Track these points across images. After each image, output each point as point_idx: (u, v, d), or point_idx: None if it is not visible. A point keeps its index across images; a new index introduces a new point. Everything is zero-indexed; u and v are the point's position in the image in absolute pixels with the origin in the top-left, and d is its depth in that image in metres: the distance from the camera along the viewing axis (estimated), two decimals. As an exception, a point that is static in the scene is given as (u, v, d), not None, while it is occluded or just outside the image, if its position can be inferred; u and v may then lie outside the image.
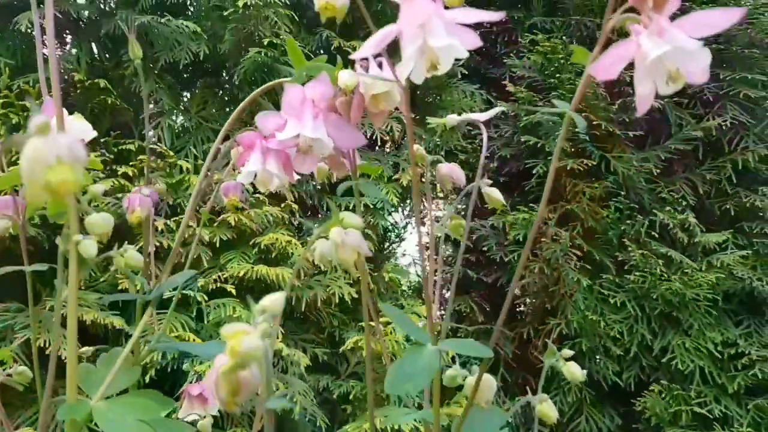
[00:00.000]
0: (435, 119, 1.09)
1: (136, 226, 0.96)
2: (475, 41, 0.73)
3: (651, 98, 0.78)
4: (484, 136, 1.09)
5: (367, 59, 0.79)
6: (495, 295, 2.61)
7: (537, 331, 2.42)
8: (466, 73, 2.72)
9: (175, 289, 0.96)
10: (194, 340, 1.84)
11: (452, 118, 1.07)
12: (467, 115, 1.08)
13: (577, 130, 2.32)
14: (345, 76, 0.75)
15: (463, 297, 2.52)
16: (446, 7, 0.75)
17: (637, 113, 0.80)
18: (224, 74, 2.69)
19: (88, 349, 0.99)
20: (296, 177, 0.81)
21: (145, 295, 0.88)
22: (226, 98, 2.60)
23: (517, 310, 2.50)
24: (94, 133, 0.83)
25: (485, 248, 2.41)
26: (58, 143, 0.42)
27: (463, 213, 2.06)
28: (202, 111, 2.52)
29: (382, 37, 0.74)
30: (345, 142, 0.82)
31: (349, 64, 0.75)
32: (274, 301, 0.52)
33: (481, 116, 1.13)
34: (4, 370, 0.88)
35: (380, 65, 0.79)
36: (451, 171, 1.24)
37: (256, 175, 0.83)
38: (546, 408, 0.97)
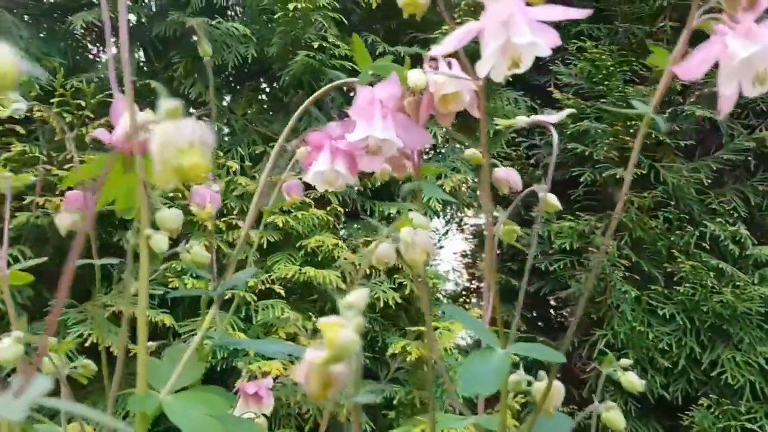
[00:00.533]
0: (503, 120, 1.08)
1: (206, 221, 0.97)
2: (555, 40, 0.72)
3: (734, 99, 0.76)
4: (555, 139, 1.07)
5: (436, 59, 0.79)
6: (538, 305, 2.59)
7: (581, 341, 2.38)
8: (510, 79, 2.69)
9: (234, 288, 0.96)
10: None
11: (521, 119, 1.06)
12: (536, 117, 1.07)
13: (626, 138, 2.29)
14: (415, 76, 0.75)
15: (506, 306, 2.50)
16: (528, 5, 0.74)
17: (720, 115, 0.78)
18: (270, 77, 2.71)
19: (152, 344, 1.00)
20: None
21: (210, 291, 0.89)
22: (271, 101, 2.62)
23: (559, 320, 2.47)
24: None
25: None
26: (189, 127, 0.42)
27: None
28: (247, 113, 2.54)
29: (464, 34, 0.73)
30: (413, 142, 0.82)
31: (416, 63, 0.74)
32: (359, 296, 0.52)
33: (551, 118, 1.11)
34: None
35: (449, 65, 0.79)
36: (508, 175, 1.22)
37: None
38: (613, 416, 0.95)
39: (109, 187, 0.86)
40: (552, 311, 2.54)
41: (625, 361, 0.79)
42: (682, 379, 2.20)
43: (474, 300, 3.13)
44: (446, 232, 2.92)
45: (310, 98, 0.94)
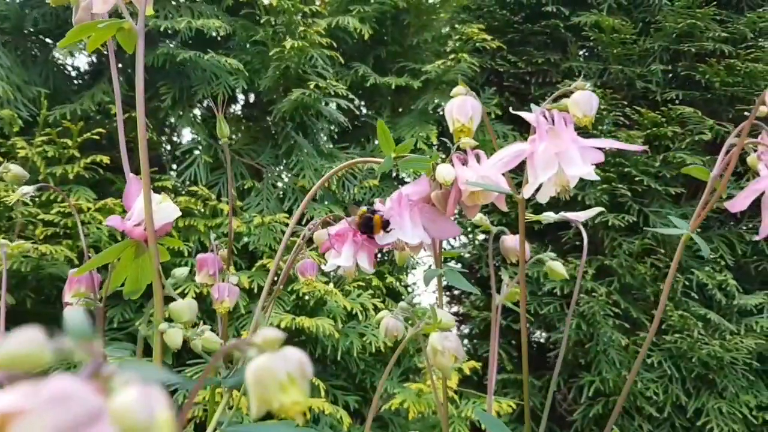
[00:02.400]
0: (531, 215, 1.07)
1: (222, 315, 0.94)
2: (600, 158, 0.71)
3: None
4: (585, 240, 1.06)
5: (465, 152, 0.77)
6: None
7: (566, 382, 2.39)
8: (500, 113, 2.69)
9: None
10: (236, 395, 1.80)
11: (549, 216, 1.05)
12: (564, 214, 1.06)
13: (618, 185, 2.30)
14: (444, 171, 0.74)
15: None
16: (577, 129, 0.73)
17: (759, 236, 0.77)
18: (260, 107, 2.66)
19: None
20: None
21: (222, 378, 0.86)
22: (260, 131, 2.57)
23: (547, 356, 2.47)
24: (179, 213, 0.80)
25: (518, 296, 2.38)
26: (288, 360, 0.39)
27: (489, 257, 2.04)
28: (233, 144, 2.48)
29: (511, 158, 0.72)
30: (439, 233, 0.81)
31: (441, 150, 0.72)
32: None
33: (579, 216, 1.11)
34: None
35: (478, 158, 0.77)
36: (515, 243, 1.21)
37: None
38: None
39: (120, 272, 0.82)
40: (536, 350, 2.55)
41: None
42: (666, 425, 2.23)
43: (454, 330, 3.12)
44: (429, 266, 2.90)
45: (317, 184, 0.91)
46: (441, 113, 2.68)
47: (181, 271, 0.88)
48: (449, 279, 0.84)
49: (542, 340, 2.64)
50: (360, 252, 0.81)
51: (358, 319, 2.15)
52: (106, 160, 2.06)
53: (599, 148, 0.71)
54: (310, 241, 0.93)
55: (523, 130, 2.72)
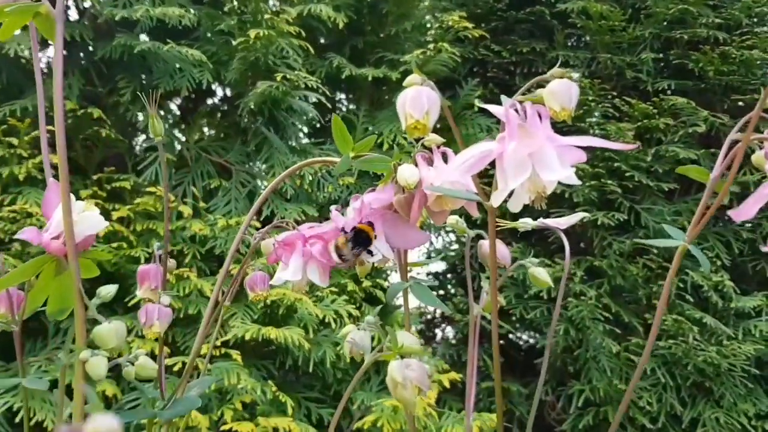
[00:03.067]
0: (507, 222, 0.94)
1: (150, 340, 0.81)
2: (582, 157, 0.58)
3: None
4: (566, 249, 0.93)
5: (431, 150, 0.65)
6: (510, 348, 2.46)
7: (554, 390, 2.26)
8: (483, 105, 2.55)
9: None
10: (195, 415, 1.66)
11: (528, 223, 0.92)
12: (543, 221, 0.94)
13: (607, 181, 2.17)
14: (407, 173, 0.62)
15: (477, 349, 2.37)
16: (553, 124, 0.60)
17: (765, 248, 0.65)
18: (227, 101, 2.51)
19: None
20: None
21: (158, 410, 0.75)
22: (228, 127, 2.42)
23: (535, 362, 2.35)
24: (106, 224, 0.67)
25: (504, 300, 2.25)
26: None
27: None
28: (201, 141, 2.33)
29: (478, 159, 0.58)
30: (404, 243, 0.69)
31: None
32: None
33: (561, 223, 0.97)
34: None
35: (445, 157, 0.65)
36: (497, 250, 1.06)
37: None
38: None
39: (39, 291, 0.71)
40: (524, 356, 2.42)
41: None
42: (661, 436, 2.10)
43: (438, 332, 2.99)
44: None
45: (269, 186, 0.79)
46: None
47: (107, 290, 0.75)
48: (416, 294, 0.71)
49: (530, 346, 2.51)
50: (310, 264, 0.69)
51: (332, 328, 2.01)
52: (55, 159, 1.90)
53: (582, 147, 0.58)
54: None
55: (509, 123, 2.59)
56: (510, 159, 0.53)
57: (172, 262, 0.94)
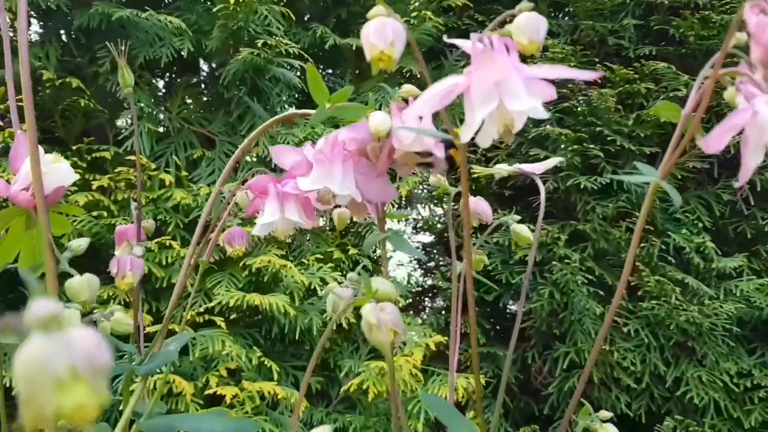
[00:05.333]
0: (482, 168, 0.94)
1: (125, 293, 0.81)
2: (552, 93, 0.57)
3: (755, 169, 0.62)
4: (542, 194, 0.94)
5: (407, 101, 0.64)
6: (497, 315, 2.48)
7: (541, 354, 2.28)
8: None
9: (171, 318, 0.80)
10: (179, 382, 1.66)
11: (504, 168, 0.92)
12: (519, 165, 0.93)
13: (589, 145, 2.18)
14: (377, 120, 0.61)
15: (463, 316, 2.38)
16: (522, 58, 0.59)
17: (738, 183, 0.64)
18: (209, 71, 2.49)
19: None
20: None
21: (135, 366, 0.74)
22: (211, 97, 2.40)
23: (522, 327, 2.36)
24: (76, 176, 0.66)
25: (489, 266, 2.26)
26: (72, 345, 0.26)
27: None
28: (183, 112, 2.31)
29: (445, 93, 0.57)
30: (372, 194, 0.67)
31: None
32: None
33: (536, 167, 0.97)
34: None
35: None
36: (477, 206, 1.07)
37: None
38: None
39: (10, 245, 0.70)
40: (512, 321, 2.43)
41: (604, 414, 0.69)
42: (645, 396, 2.13)
43: (428, 302, 3.01)
44: (401, 234, 2.77)
45: (243, 143, 0.77)
46: (408, 76, 2.53)
47: (78, 243, 0.74)
48: (393, 243, 0.71)
49: (516, 311, 2.53)
50: (287, 204, 0.68)
51: (318, 296, 2.01)
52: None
53: (550, 81, 0.58)
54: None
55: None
56: (476, 89, 0.53)
57: (150, 222, 0.93)
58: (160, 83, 2.42)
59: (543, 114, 0.51)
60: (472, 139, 0.54)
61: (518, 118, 0.52)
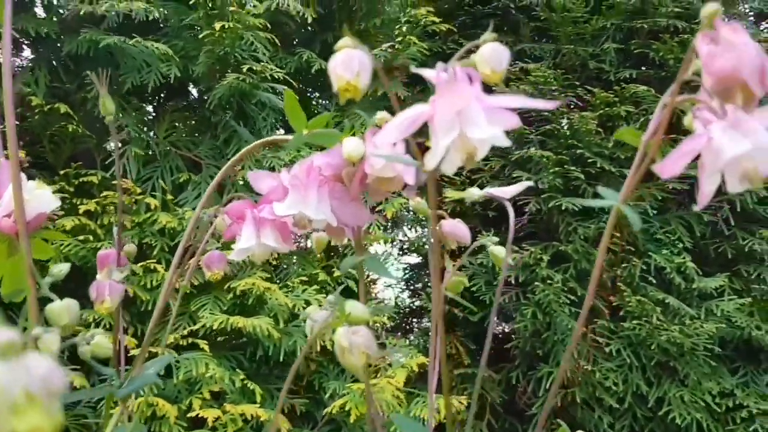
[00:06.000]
0: (455, 193, 0.96)
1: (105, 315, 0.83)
2: (516, 122, 0.60)
3: (712, 194, 0.65)
4: (511, 218, 0.96)
5: (380, 128, 0.67)
6: (482, 336, 2.49)
7: (525, 375, 2.30)
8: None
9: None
10: (163, 405, 1.67)
11: (474, 192, 0.95)
12: (489, 190, 0.96)
13: (571, 168, 2.21)
14: (351, 146, 0.63)
15: (448, 336, 2.40)
16: (486, 88, 0.62)
17: (696, 208, 0.67)
18: (197, 95, 2.52)
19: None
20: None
21: (115, 388, 0.76)
22: (198, 121, 2.43)
23: (505, 347, 2.37)
24: (58, 202, 0.69)
25: (473, 287, 2.28)
26: (28, 371, 0.28)
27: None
28: (170, 136, 2.34)
29: (411, 121, 0.61)
30: (348, 218, 0.69)
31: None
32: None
33: (506, 191, 1.00)
34: None
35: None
36: (455, 228, 1.10)
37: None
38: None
39: None
40: (497, 342, 2.45)
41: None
42: (627, 416, 2.14)
43: (415, 323, 3.02)
44: (387, 257, 2.80)
45: (224, 167, 0.80)
46: (389, 99, 2.56)
47: (59, 269, 0.77)
48: (369, 267, 0.73)
49: (502, 332, 2.55)
50: (263, 229, 0.70)
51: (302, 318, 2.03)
52: (21, 154, 1.91)
53: (513, 109, 0.61)
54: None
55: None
56: (439, 118, 0.56)
57: (131, 246, 0.96)
58: (149, 108, 2.46)
59: (505, 142, 0.54)
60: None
61: (480, 146, 0.55)
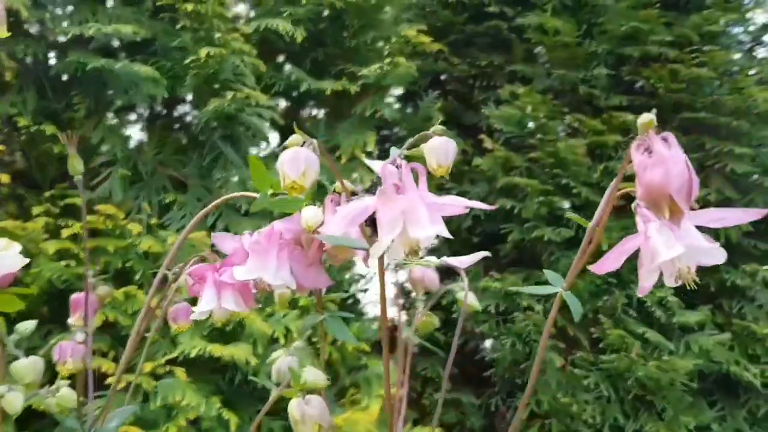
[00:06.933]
0: (413, 260, 0.98)
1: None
2: (458, 209, 0.62)
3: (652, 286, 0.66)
4: (466, 287, 0.97)
5: (339, 194, 0.68)
6: (463, 360, 2.50)
7: (504, 401, 2.31)
8: (442, 118, 2.58)
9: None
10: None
11: (430, 260, 0.97)
12: (446, 259, 0.98)
13: (555, 198, 2.21)
14: (308, 215, 0.65)
15: (429, 359, 2.41)
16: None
17: (639, 294, 0.68)
18: (185, 115, 2.53)
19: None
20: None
21: None
22: (185, 142, 2.44)
23: (484, 375, 2.38)
24: (25, 261, 0.71)
25: (455, 314, 2.29)
26: None
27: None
28: (158, 156, 2.35)
29: (357, 213, 0.62)
30: (307, 282, 0.71)
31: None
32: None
33: (463, 262, 1.01)
34: None
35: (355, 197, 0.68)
36: (424, 275, 1.12)
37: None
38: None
39: None
40: (476, 368, 2.46)
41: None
42: (605, 448, 2.15)
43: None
44: (372, 278, 2.80)
45: (190, 224, 0.81)
46: (378, 118, 2.56)
47: (24, 326, 0.79)
48: (329, 328, 0.75)
49: (483, 358, 2.56)
50: (224, 292, 0.71)
51: (281, 344, 2.04)
52: (5, 178, 1.93)
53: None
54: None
55: (467, 136, 2.63)
56: (384, 215, 0.57)
57: (104, 289, 0.97)
58: (137, 127, 2.46)
59: (446, 234, 0.55)
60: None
61: (423, 242, 0.57)
